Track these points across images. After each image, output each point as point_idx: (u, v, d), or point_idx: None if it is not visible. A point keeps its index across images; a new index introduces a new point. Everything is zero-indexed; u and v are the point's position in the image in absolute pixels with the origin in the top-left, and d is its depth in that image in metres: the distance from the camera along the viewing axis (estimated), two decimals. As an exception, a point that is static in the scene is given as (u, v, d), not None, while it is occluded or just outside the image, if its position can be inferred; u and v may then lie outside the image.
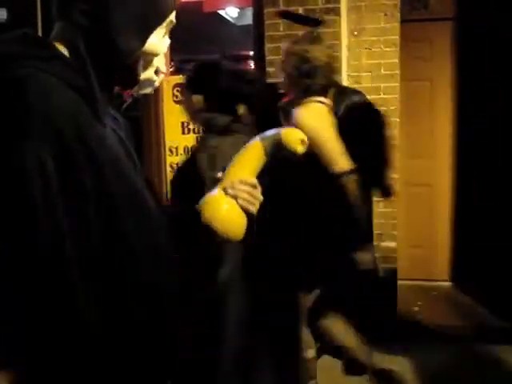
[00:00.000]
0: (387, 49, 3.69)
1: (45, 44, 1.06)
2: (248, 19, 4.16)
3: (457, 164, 4.72)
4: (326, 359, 3.45)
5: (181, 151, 4.11)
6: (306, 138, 1.29)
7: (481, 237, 4.39)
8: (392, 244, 3.63)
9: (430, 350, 3.57)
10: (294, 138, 1.28)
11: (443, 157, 4.73)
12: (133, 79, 1.14)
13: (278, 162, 1.31)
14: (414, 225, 4.69)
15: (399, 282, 3.84)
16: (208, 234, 1.26)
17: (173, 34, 1.20)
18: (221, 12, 4.53)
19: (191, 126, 4.07)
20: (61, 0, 1.09)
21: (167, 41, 1.18)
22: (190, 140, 4.09)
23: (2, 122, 0.93)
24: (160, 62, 1.18)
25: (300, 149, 1.28)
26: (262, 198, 1.28)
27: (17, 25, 3.89)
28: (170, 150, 4.14)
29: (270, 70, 3.77)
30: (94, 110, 1.05)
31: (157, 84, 1.19)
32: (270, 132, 1.30)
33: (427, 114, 4.66)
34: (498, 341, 3.60)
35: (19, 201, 0.92)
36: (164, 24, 1.14)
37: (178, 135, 4.11)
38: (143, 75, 1.15)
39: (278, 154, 1.29)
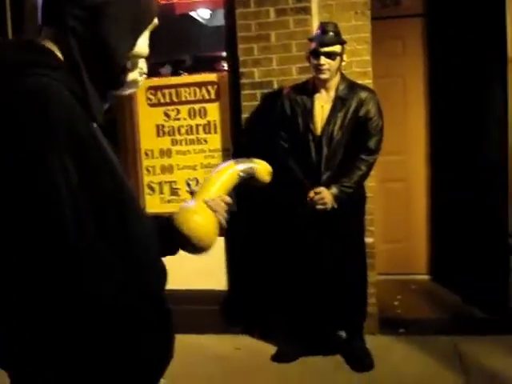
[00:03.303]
0: (359, 46, 3.71)
1: (51, 52, 1.07)
2: (220, 20, 4.15)
3: (431, 158, 4.78)
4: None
5: (156, 154, 4.10)
6: (271, 170, 1.57)
7: (457, 230, 4.45)
8: (370, 239, 3.66)
9: (410, 342, 3.61)
10: (265, 172, 1.56)
11: (417, 152, 4.79)
12: (121, 81, 1.17)
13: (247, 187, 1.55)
14: (390, 220, 4.74)
15: (378, 277, 3.88)
16: (182, 239, 1.29)
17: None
18: (192, 14, 4.53)
19: (166, 129, 4.06)
20: (52, 6, 1.09)
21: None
22: (166, 143, 4.08)
23: (25, 131, 0.95)
24: (143, 64, 1.21)
25: (268, 179, 1.57)
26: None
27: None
28: (146, 153, 4.13)
29: (242, 70, 3.77)
30: (89, 114, 1.08)
31: (140, 84, 1.22)
32: (245, 161, 1.54)
33: (400, 110, 4.71)
34: (475, 332, 3.65)
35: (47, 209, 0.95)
36: (150, 26, 1.17)
37: (153, 138, 4.10)
38: (130, 76, 1.18)
39: (249, 182, 1.54)
